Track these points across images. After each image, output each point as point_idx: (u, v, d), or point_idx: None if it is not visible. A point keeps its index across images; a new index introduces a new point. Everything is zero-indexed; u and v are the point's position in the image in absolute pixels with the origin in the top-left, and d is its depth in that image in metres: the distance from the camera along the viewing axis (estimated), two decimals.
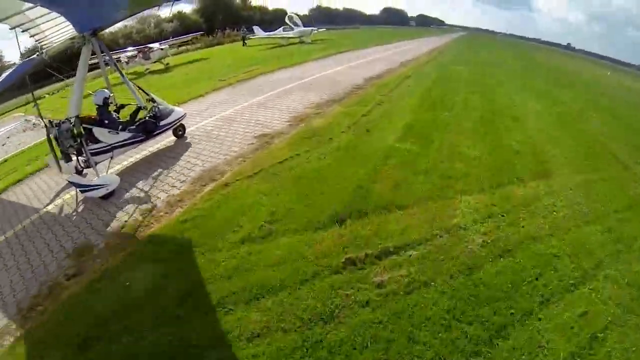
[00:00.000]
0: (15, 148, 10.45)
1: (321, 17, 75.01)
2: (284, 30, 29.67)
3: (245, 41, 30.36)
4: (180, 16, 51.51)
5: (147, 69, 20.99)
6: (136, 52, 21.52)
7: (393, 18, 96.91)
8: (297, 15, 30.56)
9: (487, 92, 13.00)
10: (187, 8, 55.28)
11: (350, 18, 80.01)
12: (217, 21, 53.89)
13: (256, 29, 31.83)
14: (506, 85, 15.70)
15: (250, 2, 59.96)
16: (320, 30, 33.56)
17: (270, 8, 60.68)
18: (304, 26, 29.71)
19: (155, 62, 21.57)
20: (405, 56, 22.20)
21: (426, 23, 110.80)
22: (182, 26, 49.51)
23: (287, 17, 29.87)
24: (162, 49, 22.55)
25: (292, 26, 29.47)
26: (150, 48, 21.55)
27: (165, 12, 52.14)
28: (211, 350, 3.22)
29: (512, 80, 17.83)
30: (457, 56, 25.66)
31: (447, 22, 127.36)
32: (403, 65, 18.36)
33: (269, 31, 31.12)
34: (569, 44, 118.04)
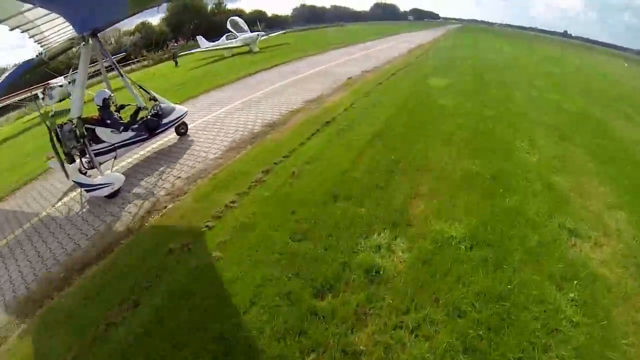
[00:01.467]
0: None
1: (306, 16, 67.14)
2: (227, 39, 22.39)
3: (176, 59, 23.06)
4: (144, 27, 44.52)
5: (52, 111, 14.25)
6: (43, 88, 14.59)
7: (385, 13, 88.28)
8: (242, 19, 23.07)
9: (493, 181, 5.30)
10: (153, 18, 48.56)
11: (338, 15, 71.94)
12: (186, 29, 46.86)
13: (199, 39, 24.45)
14: (525, 122, 7.71)
15: (225, 5, 52.53)
16: (275, 34, 26.29)
17: (247, 11, 53.16)
18: (251, 31, 22.36)
19: (60, 100, 14.94)
20: (367, 63, 14.71)
21: (420, 17, 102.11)
22: (145, 38, 42.56)
23: (228, 21, 22.51)
24: (60, 86, 15.96)
25: (236, 33, 22.19)
26: (50, 85, 14.93)
27: (127, 24, 45.50)
28: None
29: (533, 106, 10.25)
30: (444, 58, 17.10)
31: (441, 15, 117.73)
32: (352, 83, 11.09)
33: (214, 40, 23.96)
34: (565, 31, 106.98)
